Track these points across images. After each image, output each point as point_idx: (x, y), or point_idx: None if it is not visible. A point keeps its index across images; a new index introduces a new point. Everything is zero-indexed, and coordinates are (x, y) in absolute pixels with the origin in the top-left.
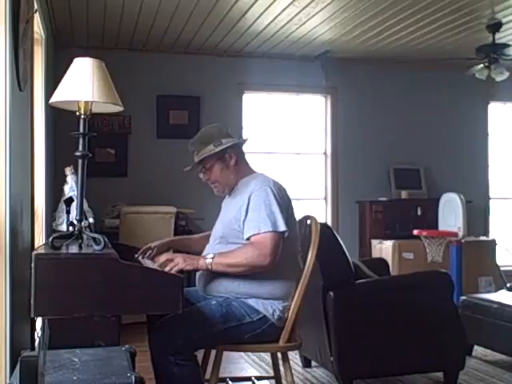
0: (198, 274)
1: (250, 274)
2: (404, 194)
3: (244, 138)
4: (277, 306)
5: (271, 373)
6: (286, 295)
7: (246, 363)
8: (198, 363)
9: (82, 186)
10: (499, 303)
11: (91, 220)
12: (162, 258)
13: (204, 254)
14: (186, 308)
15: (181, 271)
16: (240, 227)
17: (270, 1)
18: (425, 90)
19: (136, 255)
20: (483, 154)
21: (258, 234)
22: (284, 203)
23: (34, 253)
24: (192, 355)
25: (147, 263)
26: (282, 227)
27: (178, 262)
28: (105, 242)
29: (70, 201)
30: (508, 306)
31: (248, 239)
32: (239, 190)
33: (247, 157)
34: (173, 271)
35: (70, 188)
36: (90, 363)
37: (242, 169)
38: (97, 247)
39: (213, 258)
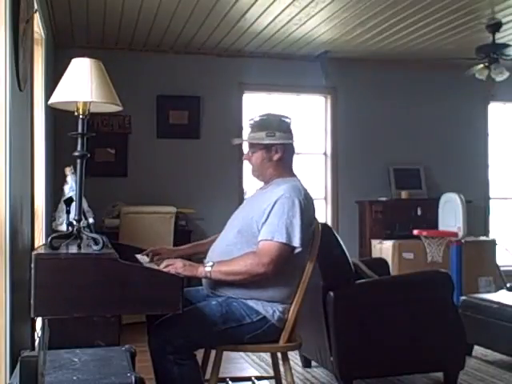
0: None
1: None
2: (404, 194)
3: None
4: (277, 307)
5: (271, 373)
6: (286, 298)
7: (246, 363)
8: (197, 362)
9: (81, 185)
10: (499, 303)
11: (91, 220)
12: (163, 264)
13: (214, 248)
14: (186, 308)
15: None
16: (258, 229)
17: (269, 1)
18: (425, 90)
19: (139, 256)
20: (483, 154)
21: (269, 240)
22: (309, 217)
23: (34, 253)
24: (192, 355)
25: (148, 264)
26: (296, 243)
27: (177, 267)
28: (103, 242)
29: (69, 201)
30: (508, 305)
31: (259, 242)
32: (270, 188)
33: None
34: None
35: (70, 188)
36: (89, 363)
37: (282, 168)
38: (96, 247)
39: (212, 266)
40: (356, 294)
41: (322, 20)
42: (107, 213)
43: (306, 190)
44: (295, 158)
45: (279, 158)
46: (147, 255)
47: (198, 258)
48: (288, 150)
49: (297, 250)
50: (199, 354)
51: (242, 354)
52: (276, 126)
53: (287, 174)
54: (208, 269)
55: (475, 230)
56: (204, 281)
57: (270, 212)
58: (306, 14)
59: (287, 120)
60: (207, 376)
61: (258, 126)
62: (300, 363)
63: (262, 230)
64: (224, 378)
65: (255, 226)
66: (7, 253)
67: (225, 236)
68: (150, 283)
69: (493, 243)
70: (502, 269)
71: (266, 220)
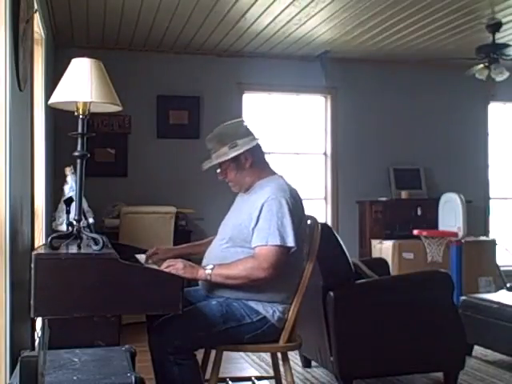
0: None
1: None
2: (404, 194)
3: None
4: (277, 308)
5: (271, 373)
6: (285, 299)
7: (246, 363)
8: (197, 362)
9: (81, 185)
10: (499, 303)
11: (91, 220)
12: (164, 264)
13: (210, 251)
14: (186, 308)
15: None
16: (249, 233)
17: (269, 1)
18: (425, 90)
19: (139, 256)
20: (483, 154)
21: (264, 245)
22: (298, 215)
23: (34, 253)
24: (191, 354)
25: (148, 264)
26: (290, 242)
27: (178, 268)
28: (103, 242)
29: (69, 201)
30: (508, 305)
31: (254, 248)
32: (254, 190)
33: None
34: None
35: (70, 188)
36: (89, 363)
37: (259, 170)
38: (96, 247)
39: (212, 269)
40: (356, 294)
41: (322, 20)
42: (107, 213)
43: (291, 188)
44: (295, 157)
45: (251, 163)
46: (147, 258)
47: (197, 258)
48: (256, 152)
49: (293, 250)
50: (199, 354)
51: (242, 354)
52: (234, 134)
53: (266, 174)
54: (208, 271)
55: (475, 229)
56: (201, 282)
57: (258, 216)
58: (306, 14)
59: (243, 123)
60: (207, 376)
61: (218, 143)
62: (300, 363)
63: (255, 235)
64: (224, 378)
65: (246, 231)
66: (7, 253)
67: (218, 242)
68: (150, 283)
69: (493, 243)
70: (502, 269)
71: (256, 225)
